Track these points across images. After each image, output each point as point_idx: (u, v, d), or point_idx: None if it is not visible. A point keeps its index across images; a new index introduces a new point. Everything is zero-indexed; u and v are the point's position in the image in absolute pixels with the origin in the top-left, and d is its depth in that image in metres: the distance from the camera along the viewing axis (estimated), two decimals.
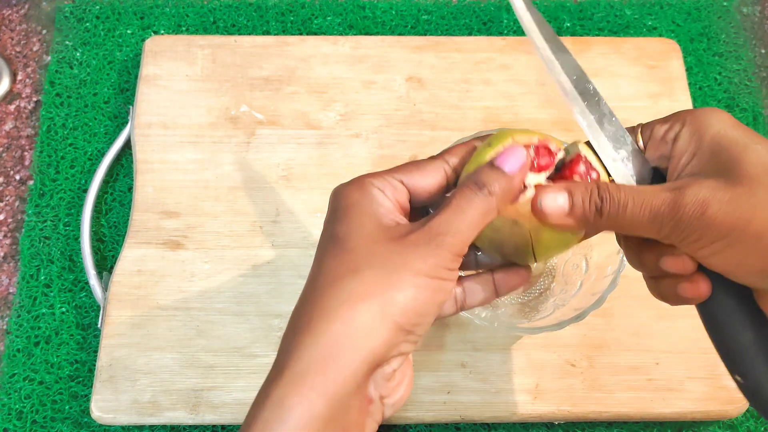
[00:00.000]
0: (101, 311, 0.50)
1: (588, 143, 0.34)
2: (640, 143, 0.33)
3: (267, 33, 0.62)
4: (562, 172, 0.33)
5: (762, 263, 0.29)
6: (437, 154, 0.35)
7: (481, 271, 0.37)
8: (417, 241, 0.30)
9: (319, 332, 0.29)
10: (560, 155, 0.33)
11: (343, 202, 0.33)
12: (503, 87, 0.57)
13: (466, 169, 0.33)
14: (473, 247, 0.35)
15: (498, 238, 0.34)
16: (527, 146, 0.33)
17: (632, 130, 0.34)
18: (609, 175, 0.34)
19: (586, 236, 0.35)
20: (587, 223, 0.32)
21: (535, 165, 0.33)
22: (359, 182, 0.33)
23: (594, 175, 0.33)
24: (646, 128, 0.34)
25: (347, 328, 0.29)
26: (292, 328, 0.31)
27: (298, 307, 0.31)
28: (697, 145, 0.31)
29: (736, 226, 0.29)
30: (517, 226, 0.32)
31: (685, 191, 0.29)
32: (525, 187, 0.32)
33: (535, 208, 0.32)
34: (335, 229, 0.32)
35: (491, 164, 0.32)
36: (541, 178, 0.33)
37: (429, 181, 0.34)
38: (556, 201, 0.31)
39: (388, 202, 0.32)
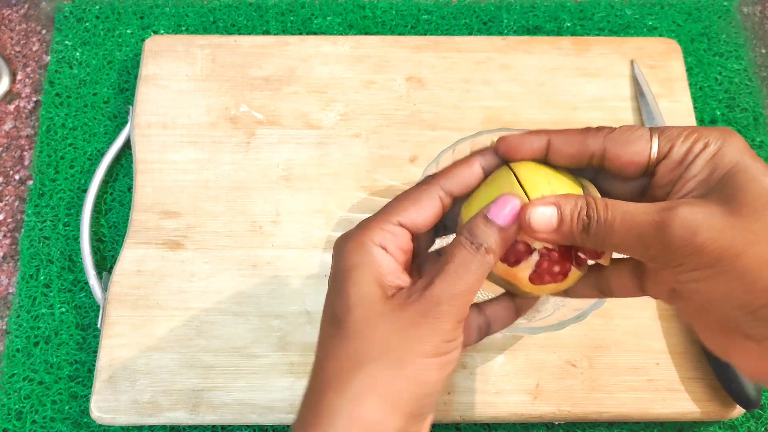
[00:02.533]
0: (101, 311, 0.50)
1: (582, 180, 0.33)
2: (654, 150, 0.31)
3: (267, 33, 0.62)
4: None
5: (745, 299, 0.28)
6: (430, 178, 0.33)
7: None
8: (416, 320, 0.29)
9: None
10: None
11: (342, 265, 0.31)
12: (503, 87, 0.57)
13: (468, 207, 0.33)
14: None
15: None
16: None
17: (644, 133, 0.31)
18: None
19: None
20: (573, 240, 0.31)
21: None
22: (359, 240, 0.31)
23: None
24: (665, 138, 0.31)
25: (355, 429, 0.28)
26: (301, 422, 0.30)
27: (307, 394, 0.31)
28: (709, 173, 0.29)
29: (724, 256, 0.27)
30: (512, 287, 0.33)
31: (676, 213, 0.28)
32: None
33: (523, 222, 0.30)
34: (335, 306, 0.31)
35: (485, 218, 0.31)
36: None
37: (426, 214, 0.32)
38: (545, 215, 0.30)
39: (390, 262, 0.31)
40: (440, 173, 0.33)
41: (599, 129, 0.32)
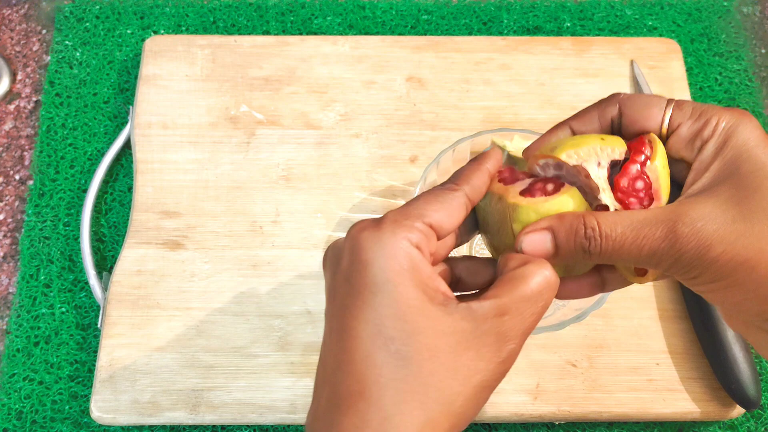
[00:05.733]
0: (101, 311, 0.50)
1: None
2: (665, 122, 0.30)
3: (267, 33, 0.62)
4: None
5: (760, 308, 0.27)
6: (454, 184, 0.31)
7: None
8: (484, 353, 0.27)
9: None
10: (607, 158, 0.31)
11: (376, 274, 0.27)
12: (503, 87, 0.57)
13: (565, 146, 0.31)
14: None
15: (482, 215, 0.33)
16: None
17: (655, 102, 0.31)
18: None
19: None
20: (576, 261, 0.29)
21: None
22: (392, 241, 0.27)
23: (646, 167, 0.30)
24: (677, 113, 0.30)
25: None
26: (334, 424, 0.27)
27: (341, 417, 0.27)
28: (719, 161, 0.28)
29: (739, 268, 0.26)
30: (500, 202, 0.31)
31: (686, 224, 0.27)
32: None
33: (519, 247, 0.29)
34: (387, 327, 0.26)
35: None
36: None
37: (454, 220, 0.30)
38: (539, 244, 0.29)
39: (427, 267, 0.28)
40: (461, 179, 0.31)
41: (612, 96, 0.31)
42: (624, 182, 0.29)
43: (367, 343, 0.27)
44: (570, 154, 0.30)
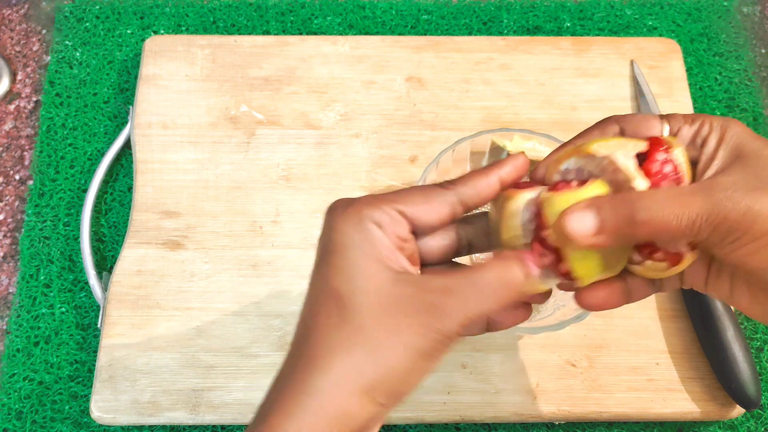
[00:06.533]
0: (101, 311, 0.50)
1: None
2: (666, 129, 0.32)
3: (267, 33, 0.62)
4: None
5: None
6: (448, 183, 0.32)
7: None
8: (421, 321, 0.28)
9: (296, 408, 0.28)
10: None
11: (338, 239, 0.30)
12: (503, 87, 0.57)
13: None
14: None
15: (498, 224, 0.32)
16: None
17: (647, 121, 0.32)
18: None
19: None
20: (620, 238, 0.29)
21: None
22: (356, 215, 0.30)
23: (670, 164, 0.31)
24: (674, 121, 0.32)
25: (327, 408, 0.28)
26: (277, 384, 0.30)
27: (288, 359, 0.30)
28: (723, 149, 0.30)
29: None
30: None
31: (721, 189, 0.28)
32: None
33: (561, 231, 0.29)
34: (334, 281, 0.29)
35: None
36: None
37: (433, 214, 0.31)
38: (584, 220, 0.29)
39: (386, 241, 0.30)
40: (458, 181, 0.32)
41: (609, 117, 0.33)
42: (654, 167, 0.31)
43: (317, 296, 0.30)
44: (599, 146, 0.31)
